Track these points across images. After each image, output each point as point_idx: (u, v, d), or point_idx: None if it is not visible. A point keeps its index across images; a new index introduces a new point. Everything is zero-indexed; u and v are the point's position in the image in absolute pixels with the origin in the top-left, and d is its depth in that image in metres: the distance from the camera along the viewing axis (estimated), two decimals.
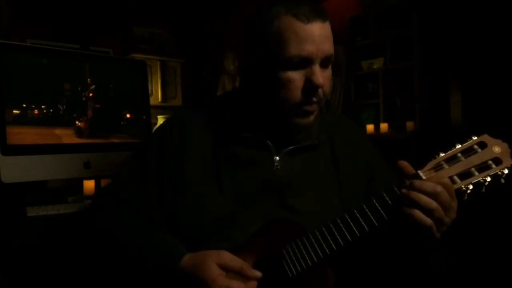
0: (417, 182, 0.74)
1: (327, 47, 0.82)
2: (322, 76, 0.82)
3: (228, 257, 0.77)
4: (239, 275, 0.77)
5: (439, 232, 0.76)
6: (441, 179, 0.75)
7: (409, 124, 3.71)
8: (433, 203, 0.73)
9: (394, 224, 0.79)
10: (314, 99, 0.84)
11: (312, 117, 0.87)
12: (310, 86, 0.82)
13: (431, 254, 0.84)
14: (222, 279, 0.75)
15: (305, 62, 0.81)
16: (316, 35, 0.80)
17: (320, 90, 0.83)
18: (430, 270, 0.87)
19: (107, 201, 0.95)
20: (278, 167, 0.89)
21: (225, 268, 0.77)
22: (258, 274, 0.78)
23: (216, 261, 0.77)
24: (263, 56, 0.83)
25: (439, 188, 0.73)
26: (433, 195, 0.73)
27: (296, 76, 0.82)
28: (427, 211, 0.73)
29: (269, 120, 0.90)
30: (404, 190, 0.76)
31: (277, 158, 0.90)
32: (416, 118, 3.70)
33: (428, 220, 0.73)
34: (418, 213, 0.73)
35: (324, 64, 0.83)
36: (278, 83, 0.83)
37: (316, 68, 0.81)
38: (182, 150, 0.91)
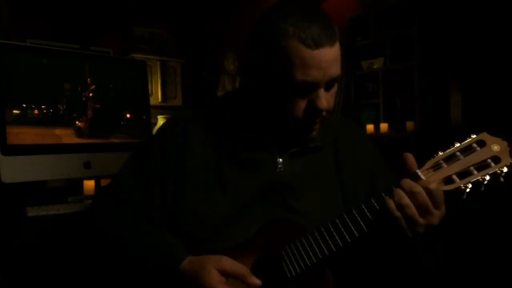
0: (402, 182, 0.76)
1: (334, 71, 0.81)
2: (326, 98, 0.82)
3: (228, 263, 0.77)
4: (239, 281, 0.77)
5: (412, 231, 0.75)
6: (429, 184, 0.75)
7: (409, 124, 3.71)
8: (404, 199, 0.74)
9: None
10: (318, 121, 0.84)
11: (314, 133, 0.88)
12: (313, 109, 0.82)
13: (419, 254, 0.84)
14: (222, 286, 0.75)
15: (310, 87, 0.80)
16: (323, 61, 0.78)
17: (324, 112, 0.83)
18: (420, 270, 0.87)
19: (108, 201, 0.95)
20: (281, 168, 0.89)
21: (225, 274, 0.77)
22: (258, 282, 0.77)
23: (216, 267, 0.77)
24: (268, 67, 0.82)
25: (416, 189, 0.74)
26: (409, 193, 0.74)
27: (300, 100, 0.81)
28: (399, 206, 0.74)
29: (271, 123, 0.90)
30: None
31: (280, 159, 0.89)
32: (416, 118, 3.70)
33: (396, 213, 0.74)
34: (391, 204, 0.75)
35: (329, 86, 0.83)
36: (282, 101, 0.82)
37: (321, 92, 0.81)
38: (184, 150, 0.91)
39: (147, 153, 0.95)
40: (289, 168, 0.89)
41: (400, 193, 0.75)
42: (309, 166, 0.91)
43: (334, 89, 0.85)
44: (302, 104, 0.81)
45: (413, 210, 0.74)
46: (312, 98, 0.81)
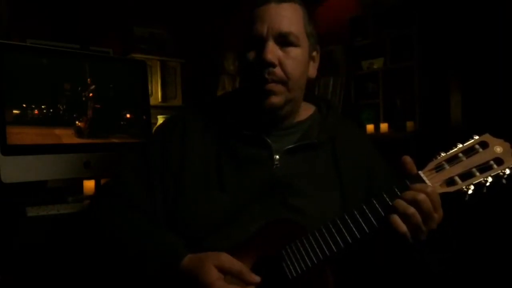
0: (405, 192, 0.76)
1: (280, 25, 0.85)
2: (278, 54, 0.85)
3: (227, 260, 0.77)
4: (238, 279, 0.77)
5: (415, 238, 0.76)
6: (424, 188, 0.75)
7: (409, 124, 3.71)
8: (410, 209, 0.74)
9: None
10: (267, 76, 0.85)
11: (275, 99, 0.87)
12: (259, 62, 0.85)
13: (422, 256, 0.84)
14: (220, 283, 0.75)
15: (257, 42, 0.86)
16: (267, 14, 0.85)
17: (277, 69, 0.85)
18: (421, 271, 0.88)
19: (108, 199, 0.95)
20: (278, 165, 0.89)
21: (224, 271, 0.77)
22: (257, 278, 0.77)
23: (215, 264, 0.77)
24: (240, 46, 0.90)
25: (420, 196, 0.74)
26: (412, 202, 0.74)
27: (250, 56, 0.87)
28: (404, 216, 0.74)
29: (259, 114, 0.91)
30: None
31: (277, 156, 0.90)
32: (416, 118, 3.70)
33: (403, 227, 0.74)
34: (396, 219, 0.75)
35: (282, 42, 0.86)
36: (242, 64, 0.90)
37: (267, 44, 0.85)
38: (183, 149, 0.92)
39: (147, 152, 0.95)
40: (286, 165, 0.89)
41: (404, 205, 0.75)
42: (307, 164, 0.91)
43: (293, 52, 0.87)
44: (251, 61, 0.87)
45: (418, 218, 0.74)
46: (258, 53, 0.86)
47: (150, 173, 0.92)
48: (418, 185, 0.76)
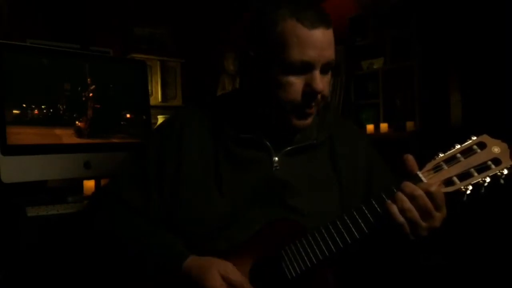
0: (403, 185, 0.76)
1: (329, 53, 0.83)
2: (322, 82, 0.83)
3: (232, 271, 0.78)
4: None
5: (414, 235, 0.76)
6: (429, 187, 0.75)
7: (409, 124, 3.71)
8: (406, 203, 0.74)
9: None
10: (314, 104, 0.85)
11: (310, 120, 0.88)
12: (310, 91, 0.83)
13: (422, 256, 0.84)
14: None
15: (306, 67, 0.82)
16: (319, 41, 0.81)
17: (319, 96, 0.84)
18: (421, 270, 0.88)
19: (106, 201, 0.95)
20: (277, 167, 0.89)
21: (227, 281, 0.77)
22: None
23: (221, 272, 0.78)
24: (264, 57, 0.84)
25: (417, 192, 0.74)
26: (410, 197, 0.75)
27: (297, 81, 0.83)
28: (401, 211, 0.74)
29: (268, 120, 0.90)
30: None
31: (276, 158, 0.90)
32: (416, 118, 3.70)
33: (399, 218, 0.74)
34: (394, 209, 0.75)
35: (324, 70, 0.84)
36: (278, 86, 0.83)
37: (317, 74, 0.82)
38: (181, 150, 0.91)
39: (145, 153, 0.95)
40: (285, 167, 0.89)
41: (402, 196, 0.75)
42: (306, 165, 0.91)
43: (328, 77, 0.87)
44: (299, 86, 0.83)
45: (415, 213, 0.74)
46: (308, 80, 0.83)
47: (147, 176, 0.92)
48: (423, 184, 0.76)
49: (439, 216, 0.76)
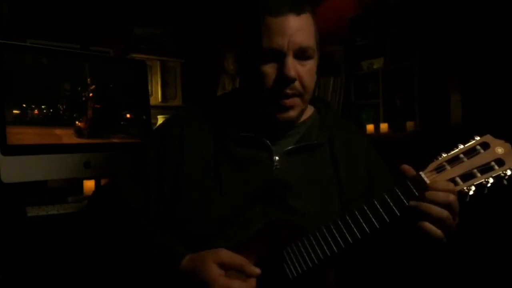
0: (429, 194, 0.74)
1: (300, 39, 0.83)
2: (298, 69, 0.84)
3: (226, 255, 0.77)
4: (239, 272, 0.77)
5: (446, 237, 0.76)
6: (449, 186, 0.74)
7: (409, 124, 3.71)
8: (444, 212, 0.73)
9: (396, 226, 0.79)
10: (288, 91, 0.85)
11: (292, 112, 0.87)
12: (281, 78, 0.84)
13: (438, 256, 0.84)
14: (222, 279, 0.75)
15: (276, 55, 0.83)
16: (287, 28, 0.82)
17: (297, 83, 0.85)
18: (433, 270, 0.87)
19: (106, 201, 0.95)
20: (278, 167, 0.89)
21: (224, 267, 0.76)
22: (257, 271, 0.77)
23: (215, 261, 0.76)
24: (248, 50, 0.87)
25: (451, 198, 0.73)
26: (446, 205, 0.74)
27: (269, 69, 0.84)
28: (439, 221, 0.73)
29: (261, 118, 0.90)
30: (412, 203, 0.76)
31: (277, 158, 0.90)
32: (416, 118, 3.70)
33: (438, 232, 0.74)
34: (429, 225, 0.74)
35: (300, 56, 0.85)
36: (256, 76, 0.85)
37: (288, 60, 0.83)
38: (181, 150, 0.91)
39: (145, 153, 0.95)
40: (285, 167, 0.89)
41: (437, 209, 0.73)
42: (306, 165, 0.91)
43: (309, 65, 0.87)
44: (271, 73, 0.84)
45: (451, 220, 0.74)
46: (280, 67, 0.84)
47: (147, 176, 0.92)
48: (441, 184, 0.75)
49: (458, 210, 0.76)
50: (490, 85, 3.13)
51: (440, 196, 0.74)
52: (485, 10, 3.17)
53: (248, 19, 0.87)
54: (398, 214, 0.77)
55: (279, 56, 0.83)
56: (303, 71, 0.85)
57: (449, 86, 3.42)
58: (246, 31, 0.87)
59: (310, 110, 1.00)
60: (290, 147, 0.90)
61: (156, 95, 4.70)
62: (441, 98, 3.47)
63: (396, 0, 3.83)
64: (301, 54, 0.85)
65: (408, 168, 0.79)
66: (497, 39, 3.11)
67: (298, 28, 0.83)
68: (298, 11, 0.83)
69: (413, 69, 3.71)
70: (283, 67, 0.83)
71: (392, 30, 3.92)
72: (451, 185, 0.75)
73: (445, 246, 0.78)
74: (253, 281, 0.78)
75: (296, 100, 0.87)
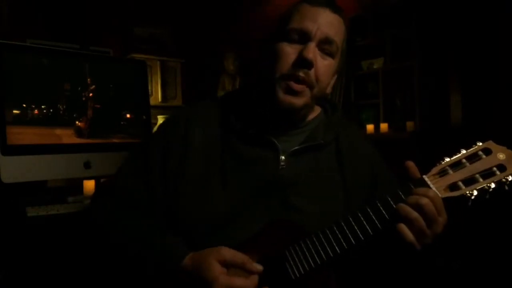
0: (408, 197, 0.76)
1: (329, 30, 0.85)
2: (317, 58, 0.85)
3: (228, 253, 0.77)
4: (241, 269, 0.77)
5: (420, 244, 0.76)
6: (427, 192, 0.75)
7: (409, 124, 3.71)
8: (412, 213, 0.74)
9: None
10: (301, 74, 0.84)
11: (297, 100, 0.86)
12: (300, 59, 0.84)
13: (428, 260, 0.84)
14: (224, 277, 0.75)
15: (302, 37, 0.85)
16: (320, 17, 0.85)
17: (312, 71, 0.85)
18: (431, 272, 0.87)
19: (108, 199, 0.94)
20: (284, 166, 0.89)
21: (226, 264, 0.76)
22: (259, 268, 0.77)
23: (217, 258, 0.76)
24: (272, 33, 0.90)
25: (423, 201, 0.74)
26: (416, 206, 0.74)
27: (291, 50, 0.85)
28: (409, 222, 0.74)
29: (267, 111, 0.90)
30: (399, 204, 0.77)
31: (283, 157, 0.89)
32: (416, 118, 3.70)
33: (409, 235, 0.74)
34: (402, 227, 0.75)
35: (323, 48, 0.86)
36: (273, 54, 0.87)
37: (312, 44, 0.84)
38: (185, 147, 0.91)
39: (148, 150, 0.94)
40: (291, 166, 0.89)
41: (407, 208, 0.75)
42: (312, 165, 0.91)
43: (329, 61, 0.88)
44: (292, 55, 0.85)
45: (421, 222, 0.74)
46: (301, 50, 0.84)
47: (150, 171, 0.91)
48: (420, 189, 0.76)
49: (441, 221, 0.76)
50: (490, 85, 3.13)
51: (412, 197, 0.75)
52: (484, 9, 3.17)
53: (284, 14, 0.89)
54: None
55: (303, 38, 0.85)
56: (322, 64, 0.86)
57: (449, 86, 3.41)
58: (279, 17, 0.90)
59: (317, 110, 0.99)
60: (296, 147, 0.90)
61: (156, 95, 4.70)
62: (441, 98, 3.47)
63: (396, 0, 3.83)
64: (325, 46, 0.86)
65: (412, 166, 0.79)
66: (497, 39, 3.11)
67: (330, 22, 0.86)
68: (334, 9, 0.87)
69: (413, 69, 3.71)
70: (304, 49, 0.84)
71: (392, 30, 3.91)
72: (429, 191, 0.75)
73: (418, 253, 0.78)
74: (255, 278, 0.78)
75: (305, 89, 0.86)
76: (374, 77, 4.16)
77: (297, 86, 0.85)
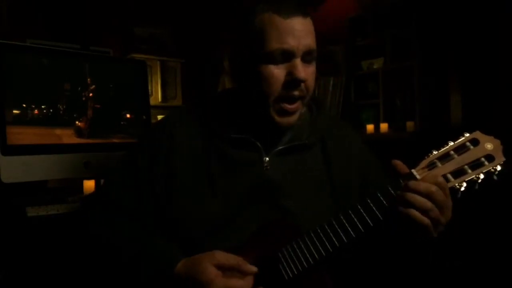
0: (411, 183, 0.75)
1: (309, 41, 0.83)
2: (304, 71, 0.83)
3: (222, 256, 0.77)
4: (236, 271, 0.77)
5: (436, 232, 0.76)
6: (435, 178, 0.74)
7: (409, 124, 3.71)
8: (427, 203, 0.73)
9: (389, 225, 0.79)
10: (296, 93, 0.84)
11: (294, 117, 0.87)
12: (291, 80, 0.82)
13: (429, 252, 0.84)
14: (219, 280, 0.75)
15: (286, 56, 0.82)
16: (297, 30, 0.81)
17: (302, 85, 0.84)
18: (426, 267, 0.87)
19: (99, 207, 0.94)
20: (268, 167, 0.89)
21: (221, 267, 0.76)
22: (254, 269, 0.78)
23: (212, 262, 0.76)
24: (247, 52, 0.85)
25: (433, 188, 0.73)
26: (427, 195, 0.73)
27: (278, 70, 0.83)
28: (424, 212, 0.73)
29: (256, 119, 0.89)
30: (399, 192, 0.76)
31: (267, 158, 0.89)
32: (416, 118, 3.70)
33: (425, 220, 0.73)
34: (415, 212, 0.73)
35: (306, 59, 0.84)
36: (260, 78, 0.83)
37: (298, 61, 0.82)
38: (171, 152, 0.91)
39: (135, 157, 0.94)
40: (276, 167, 0.89)
41: (421, 199, 0.73)
42: (297, 165, 0.91)
43: (312, 68, 0.86)
44: (280, 76, 0.83)
45: (436, 211, 0.74)
46: (289, 69, 0.82)
47: (139, 178, 0.91)
48: (427, 176, 0.75)
49: (450, 205, 0.76)
50: (490, 85, 3.13)
51: (422, 185, 0.74)
52: (484, 9, 3.17)
53: (248, 19, 0.84)
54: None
55: (288, 58, 0.82)
56: (308, 74, 0.85)
57: (449, 86, 3.42)
58: (246, 31, 0.85)
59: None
60: (280, 148, 0.90)
61: (156, 95, 4.70)
62: (441, 98, 3.47)
63: (396, 0, 3.83)
64: (308, 57, 0.84)
65: (399, 163, 0.79)
66: (497, 39, 3.11)
67: (306, 30, 0.83)
68: (304, 13, 0.83)
69: (413, 69, 3.71)
70: (294, 69, 0.82)
71: (392, 30, 3.91)
72: (438, 178, 0.75)
73: (434, 242, 0.78)
74: (250, 279, 0.78)
75: (299, 105, 0.86)
76: (374, 77, 4.17)
77: (291, 107, 0.85)
